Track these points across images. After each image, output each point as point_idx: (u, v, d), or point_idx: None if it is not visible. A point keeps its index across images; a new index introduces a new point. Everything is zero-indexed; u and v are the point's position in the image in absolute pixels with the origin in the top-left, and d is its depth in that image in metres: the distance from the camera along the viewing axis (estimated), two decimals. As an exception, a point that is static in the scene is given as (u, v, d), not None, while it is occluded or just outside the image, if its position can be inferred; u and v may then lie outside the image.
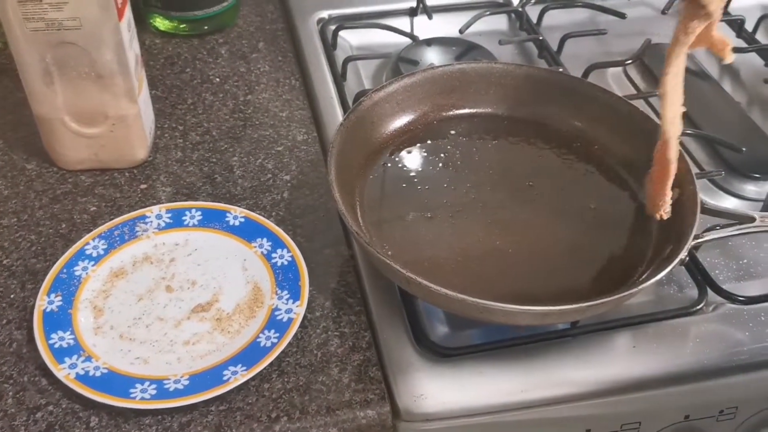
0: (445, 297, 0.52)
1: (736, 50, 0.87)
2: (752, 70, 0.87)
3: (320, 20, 0.90)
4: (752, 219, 0.57)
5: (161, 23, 0.87)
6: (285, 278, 0.60)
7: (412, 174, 0.67)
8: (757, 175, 0.72)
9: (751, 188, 0.72)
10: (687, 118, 0.79)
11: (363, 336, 0.58)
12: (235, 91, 0.81)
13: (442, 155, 0.69)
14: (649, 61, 0.86)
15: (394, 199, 0.65)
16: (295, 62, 0.85)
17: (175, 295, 0.59)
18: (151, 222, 0.64)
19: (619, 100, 0.70)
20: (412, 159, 0.68)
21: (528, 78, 0.71)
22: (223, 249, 0.63)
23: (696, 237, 0.57)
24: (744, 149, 0.72)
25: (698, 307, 0.60)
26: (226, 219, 0.64)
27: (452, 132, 0.71)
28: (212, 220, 0.64)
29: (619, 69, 0.85)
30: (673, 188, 0.62)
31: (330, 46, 0.85)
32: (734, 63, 0.89)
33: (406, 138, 0.70)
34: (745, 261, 0.65)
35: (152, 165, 0.72)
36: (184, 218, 0.64)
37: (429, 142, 0.70)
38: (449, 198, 0.65)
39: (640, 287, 0.53)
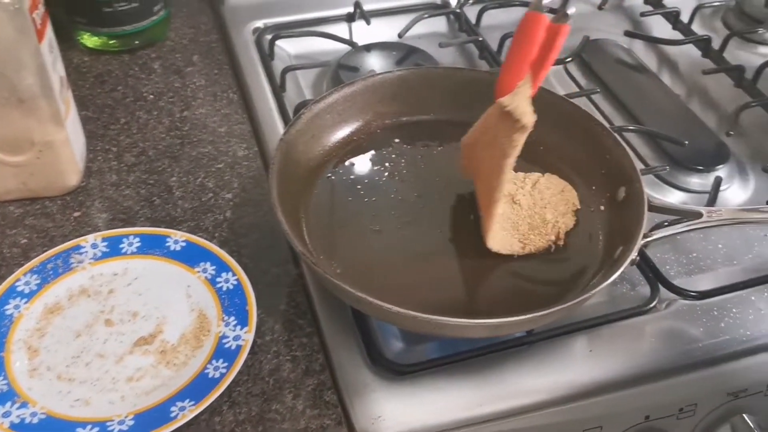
0: (397, 314, 0.50)
1: (674, 42, 0.88)
2: (689, 62, 0.88)
3: (256, 30, 0.87)
4: (699, 215, 0.57)
5: (89, 40, 0.83)
6: (231, 303, 0.58)
7: (358, 186, 0.65)
8: (700, 168, 0.73)
9: (695, 181, 0.72)
10: (628, 113, 0.80)
11: (316, 358, 0.56)
12: (171, 108, 0.78)
13: (387, 165, 0.67)
14: (588, 57, 0.86)
15: (340, 214, 0.63)
16: (232, 75, 0.82)
17: (115, 329, 0.57)
18: (87, 252, 0.61)
19: (562, 99, 0.69)
20: (357, 170, 0.67)
21: (470, 81, 0.70)
22: (164, 276, 0.60)
23: (645, 236, 0.56)
24: (686, 142, 0.72)
25: (651, 306, 0.60)
26: (167, 244, 0.62)
27: (396, 140, 0.69)
28: (152, 246, 0.62)
29: (560, 66, 0.84)
30: (619, 186, 0.62)
31: (267, 56, 0.83)
32: (672, 55, 0.89)
33: (350, 149, 0.68)
34: (695, 255, 0.66)
35: (86, 191, 0.69)
36: (121, 246, 0.62)
37: (373, 151, 0.68)
38: (397, 209, 0.63)
39: (592, 292, 0.52)
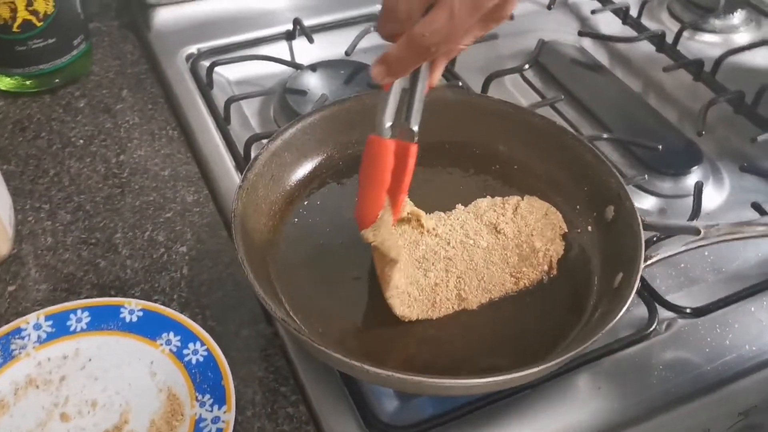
0: (398, 380, 0.45)
1: (627, 40, 0.86)
2: (643, 57, 0.86)
3: (189, 56, 0.80)
4: (697, 231, 0.54)
5: (2, 82, 0.75)
6: (204, 378, 0.51)
7: (328, 228, 0.60)
8: (673, 171, 0.70)
9: (669, 186, 0.70)
10: (594, 119, 0.77)
11: (306, 430, 0.51)
12: (105, 153, 0.70)
13: (356, 199, 0.62)
14: (545, 61, 0.83)
15: (313, 262, 0.57)
16: (168, 109, 0.75)
17: (74, 424, 0.50)
18: (29, 335, 0.54)
19: (530, 114, 0.65)
20: (324, 210, 0.61)
21: (432, 101, 0.65)
22: (122, 354, 0.53)
23: (645, 258, 0.53)
24: (660, 147, 0.69)
25: (651, 329, 0.56)
26: (121, 315, 0.55)
27: (362, 172, 0.64)
28: (104, 320, 0.55)
29: (517, 75, 0.80)
30: (605, 205, 0.59)
31: (206, 85, 0.76)
32: (624, 51, 0.87)
33: (314, 186, 0.62)
34: (683, 266, 0.63)
35: (18, 259, 0.61)
36: (68, 323, 0.54)
37: (338, 185, 0.63)
38: (373, 250, 0.58)
39: (599, 334, 0.48)
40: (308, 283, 0.55)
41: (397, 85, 0.48)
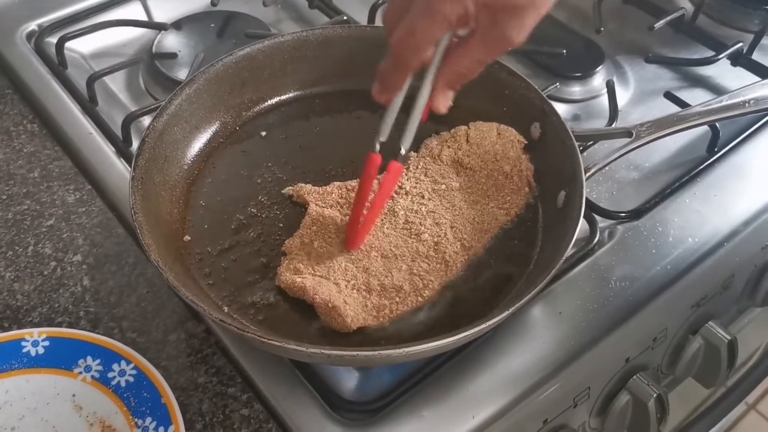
0: (366, 358, 0.41)
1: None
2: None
3: (31, 34, 0.70)
4: (630, 134, 0.52)
5: None
6: (139, 400, 0.45)
7: (240, 204, 0.53)
8: (578, 74, 0.68)
9: (577, 89, 0.68)
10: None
11: (268, 429, 0.46)
12: (-45, 164, 0.60)
13: (266, 165, 0.56)
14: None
15: (231, 247, 0.51)
16: (20, 100, 0.65)
17: (-3, 489, 0.43)
18: None
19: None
20: (230, 184, 0.55)
21: (325, 43, 0.60)
22: (37, 393, 0.46)
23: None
24: (564, 51, 0.66)
25: (595, 241, 0.54)
26: (24, 350, 0.47)
27: (263, 133, 0.58)
28: (5, 360, 0.47)
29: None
30: (530, 122, 0.56)
31: (58, 66, 0.66)
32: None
33: (214, 160, 0.56)
34: (606, 170, 0.61)
35: None
36: (-38, 373, 0.46)
37: (242, 153, 0.56)
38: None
39: (564, 254, 0.45)
40: (232, 269, 0.49)
41: (396, 103, 0.46)
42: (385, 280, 0.47)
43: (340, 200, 0.51)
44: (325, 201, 0.51)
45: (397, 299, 0.46)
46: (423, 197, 0.51)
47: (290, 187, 0.53)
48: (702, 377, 0.59)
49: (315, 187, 0.52)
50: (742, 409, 1.31)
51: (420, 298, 0.46)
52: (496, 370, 0.48)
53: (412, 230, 0.50)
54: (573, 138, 0.51)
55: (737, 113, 0.54)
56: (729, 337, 0.56)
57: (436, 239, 0.49)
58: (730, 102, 0.53)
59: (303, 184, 0.53)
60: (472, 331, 0.42)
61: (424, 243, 0.49)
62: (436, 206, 0.51)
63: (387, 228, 0.50)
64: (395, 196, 0.51)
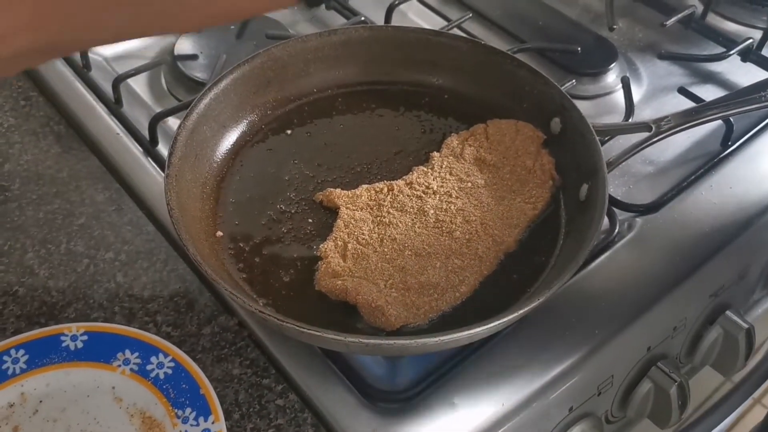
0: (402, 346, 0.42)
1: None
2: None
3: (53, 38, 0.71)
4: (649, 128, 0.53)
5: None
6: (179, 392, 0.46)
7: (270, 201, 0.54)
8: (593, 71, 0.69)
9: (590, 87, 0.69)
10: (506, 33, 0.74)
11: (303, 419, 0.47)
12: (-16, 166, 0.61)
13: (293, 162, 0.57)
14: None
15: (263, 242, 0.52)
16: (45, 102, 0.66)
17: (44, 479, 0.44)
18: (-40, 391, 0.46)
19: (453, 38, 0.62)
20: (259, 182, 0.56)
21: (346, 43, 0.61)
22: (77, 386, 0.47)
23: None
24: (579, 49, 0.68)
25: (615, 233, 0.56)
26: (63, 344, 0.48)
27: (288, 132, 0.59)
28: (44, 354, 0.48)
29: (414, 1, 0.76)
30: (551, 117, 0.57)
31: (82, 68, 0.67)
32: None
33: (242, 158, 0.57)
34: (621, 165, 0.62)
35: None
36: (4, 367, 0.47)
37: (269, 151, 0.58)
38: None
39: (591, 243, 0.46)
40: (265, 264, 0.51)
41: None
42: (421, 278, 0.48)
43: (369, 203, 0.53)
44: (356, 204, 0.52)
45: (435, 296, 0.47)
46: (451, 195, 0.53)
47: (320, 193, 0.53)
48: (720, 366, 0.60)
49: (344, 192, 0.53)
50: (748, 403, 1.32)
51: (457, 294, 0.48)
52: (523, 359, 0.50)
53: (444, 228, 0.51)
54: (594, 132, 0.52)
55: (754, 107, 0.55)
56: (747, 326, 0.57)
57: (468, 236, 0.50)
58: (747, 96, 0.55)
59: (332, 189, 0.53)
60: (504, 320, 0.43)
61: (456, 240, 0.50)
62: (465, 204, 0.52)
63: (418, 227, 0.51)
64: (423, 196, 0.53)
